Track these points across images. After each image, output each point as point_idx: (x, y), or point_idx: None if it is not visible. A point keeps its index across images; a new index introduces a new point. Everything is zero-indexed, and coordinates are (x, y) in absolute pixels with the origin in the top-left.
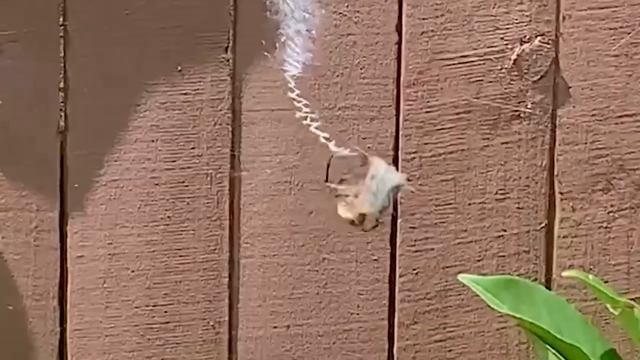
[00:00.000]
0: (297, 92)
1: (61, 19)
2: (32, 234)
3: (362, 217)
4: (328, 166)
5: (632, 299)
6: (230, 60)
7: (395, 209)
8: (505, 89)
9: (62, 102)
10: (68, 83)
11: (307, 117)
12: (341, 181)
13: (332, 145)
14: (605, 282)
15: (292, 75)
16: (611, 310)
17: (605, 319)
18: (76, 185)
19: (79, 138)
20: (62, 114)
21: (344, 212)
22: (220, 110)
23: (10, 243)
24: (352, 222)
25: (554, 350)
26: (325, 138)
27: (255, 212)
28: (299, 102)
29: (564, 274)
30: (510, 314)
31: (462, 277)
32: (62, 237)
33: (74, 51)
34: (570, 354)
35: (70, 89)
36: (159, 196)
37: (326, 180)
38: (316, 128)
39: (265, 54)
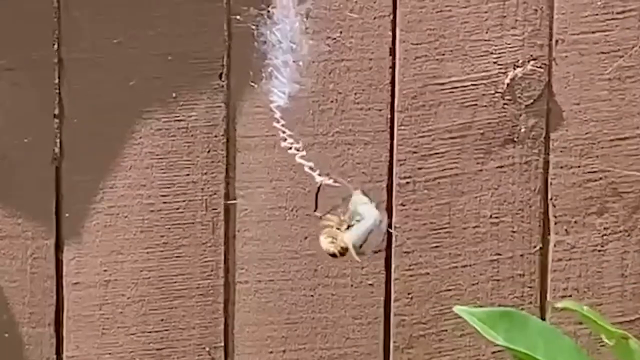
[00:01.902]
0: (283, 122)
1: (56, 47)
2: (28, 262)
3: (344, 250)
4: (317, 195)
5: (627, 322)
6: (225, 87)
7: (389, 233)
8: (499, 113)
9: (57, 129)
10: (63, 111)
11: (291, 147)
12: (329, 211)
13: (316, 175)
14: (599, 305)
15: (277, 106)
16: (605, 340)
17: (601, 343)
18: (67, 215)
19: (74, 165)
20: (57, 141)
21: (326, 244)
22: (215, 136)
23: (6, 271)
24: (333, 255)
25: None
26: (310, 168)
27: (250, 238)
28: (283, 132)
29: (558, 305)
30: (505, 346)
31: (458, 309)
32: (57, 265)
33: (68, 79)
34: None
35: (65, 117)
36: (154, 223)
37: (315, 209)
38: (301, 158)
39: (252, 84)
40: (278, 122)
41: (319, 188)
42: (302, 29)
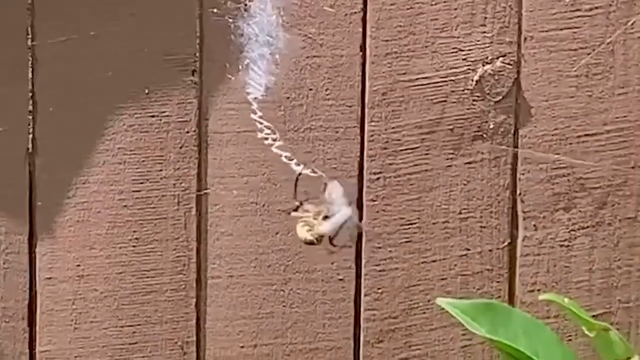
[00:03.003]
0: (260, 114)
1: (29, 43)
2: (1, 257)
3: (321, 238)
4: (296, 183)
5: (595, 316)
6: (197, 83)
7: (360, 229)
8: (468, 109)
9: (30, 124)
10: (36, 106)
11: (268, 137)
12: (306, 200)
13: (293, 165)
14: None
15: (254, 98)
16: (586, 332)
17: (569, 336)
18: (40, 210)
19: (47, 161)
20: (30, 136)
21: (302, 232)
22: (187, 132)
23: None
24: (308, 242)
25: None
26: (287, 157)
27: (222, 233)
28: (260, 123)
29: (541, 297)
30: (488, 337)
31: (440, 301)
32: (30, 259)
33: (42, 74)
34: None
35: (38, 112)
36: (127, 218)
37: (294, 197)
38: (277, 148)
39: (229, 76)
40: (255, 113)
41: (297, 177)
42: (278, 22)
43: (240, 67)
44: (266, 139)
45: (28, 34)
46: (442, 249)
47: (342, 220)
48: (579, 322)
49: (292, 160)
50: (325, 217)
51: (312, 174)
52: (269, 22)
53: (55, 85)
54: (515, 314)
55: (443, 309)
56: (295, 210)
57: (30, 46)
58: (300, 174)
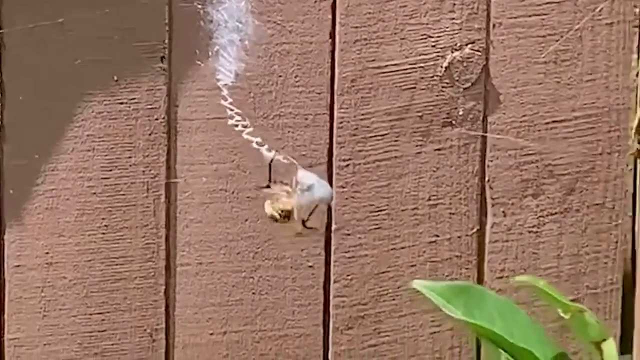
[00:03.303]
0: (230, 100)
1: None
2: None
3: (286, 214)
4: (270, 168)
5: None
6: (166, 70)
7: (329, 215)
8: (437, 96)
9: None
10: (4, 93)
11: (238, 124)
12: (276, 182)
13: (264, 150)
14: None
15: (224, 84)
16: (562, 314)
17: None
18: (8, 197)
19: (16, 148)
20: None
21: (269, 208)
22: (156, 119)
23: None
24: (274, 218)
25: (506, 355)
26: (257, 143)
27: (191, 220)
28: (231, 110)
29: (516, 279)
30: (463, 319)
31: (417, 284)
32: None
33: (10, 61)
34: (523, 357)
35: (6, 99)
36: (96, 205)
37: (269, 180)
38: (248, 134)
39: (199, 62)
40: (225, 100)
41: (271, 162)
42: (247, 8)
43: (209, 53)
44: (236, 125)
45: None
46: (412, 236)
47: (316, 198)
48: (553, 304)
49: (262, 146)
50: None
51: (284, 161)
52: (238, 8)
53: (24, 73)
54: (490, 296)
55: (412, 295)
56: (265, 188)
57: None
58: (272, 160)
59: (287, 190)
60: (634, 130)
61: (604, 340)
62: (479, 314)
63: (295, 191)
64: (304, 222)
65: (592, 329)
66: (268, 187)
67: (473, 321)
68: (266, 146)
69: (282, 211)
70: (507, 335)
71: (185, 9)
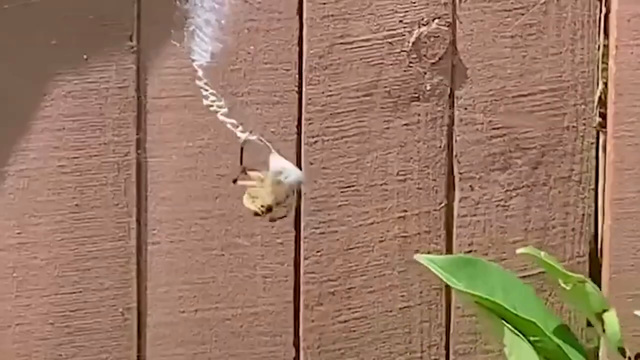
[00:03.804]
0: (205, 80)
1: None
2: None
3: (267, 208)
4: (242, 150)
5: (529, 276)
6: (135, 48)
7: (298, 192)
8: (405, 71)
9: None
10: None
11: (213, 104)
12: (250, 170)
13: (239, 132)
14: (503, 260)
15: (200, 65)
16: (562, 285)
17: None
18: None
19: None
20: None
21: (250, 203)
22: (126, 97)
23: None
24: (256, 214)
25: (509, 326)
26: (232, 125)
27: (162, 199)
28: (206, 90)
29: (518, 251)
30: (466, 292)
31: (419, 257)
32: None
33: None
34: (526, 328)
35: None
36: (67, 185)
37: (241, 163)
38: (223, 115)
39: (174, 42)
40: (200, 80)
41: (243, 144)
42: None
43: (185, 33)
44: (211, 106)
45: None
46: (380, 211)
47: (291, 183)
48: (555, 276)
49: (237, 127)
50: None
51: (258, 141)
52: None
53: None
54: (493, 268)
55: (382, 271)
56: (238, 178)
57: None
58: (244, 142)
59: (260, 177)
60: (595, 104)
61: (605, 310)
62: (482, 287)
63: (268, 178)
64: (285, 212)
65: (593, 300)
66: (244, 172)
67: (475, 293)
68: (240, 127)
69: (262, 207)
70: (510, 307)
71: None
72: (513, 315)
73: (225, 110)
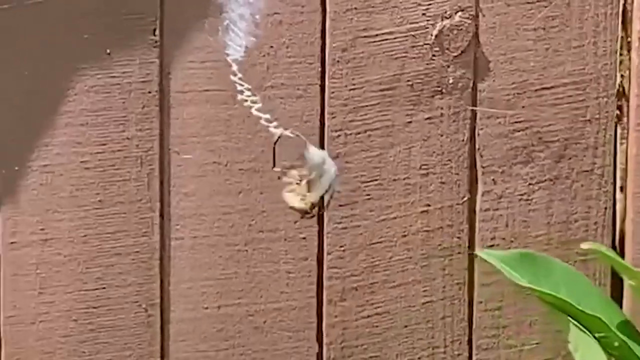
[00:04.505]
0: (240, 75)
1: None
2: None
3: (313, 206)
4: (274, 147)
5: None
6: (158, 42)
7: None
8: (428, 64)
9: None
10: None
11: (247, 99)
12: (288, 167)
13: (272, 128)
14: None
15: (234, 59)
16: (627, 281)
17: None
18: (3, 171)
19: (9, 123)
20: None
21: (295, 201)
22: (149, 92)
23: None
24: (302, 212)
25: (575, 322)
26: (266, 120)
27: (185, 194)
28: (241, 85)
29: (583, 245)
30: (530, 287)
31: (481, 253)
32: None
33: (1, 37)
34: (591, 324)
35: None
36: (90, 180)
37: (274, 165)
38: (257, 110)
39: (209, 37)
40: (235, 75)
41: (276, 140)
42: None
43: (220, 28)
44: (246, 100)
45: None
46: (403, 206)
47: (330, 178)
48: (620, 271)
49: (271, 123)
50: (309, 182)
51: (292, 135)
52: None
53: (15, 49)
54: (556, 264)
55: (404, 266)
56: (280, 175)
57: None
58: (277, 140)
59: (302, 175)
60: (614, 97)
61: None
62: (545, 282)
63: (310, 175)
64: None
65: None
66: (283, 173)
67: (540, 289)
68: (275, 123)
69: (312, 204)
70: (574, 302)
71: None
72: (578, 311)
73: (259, 105)
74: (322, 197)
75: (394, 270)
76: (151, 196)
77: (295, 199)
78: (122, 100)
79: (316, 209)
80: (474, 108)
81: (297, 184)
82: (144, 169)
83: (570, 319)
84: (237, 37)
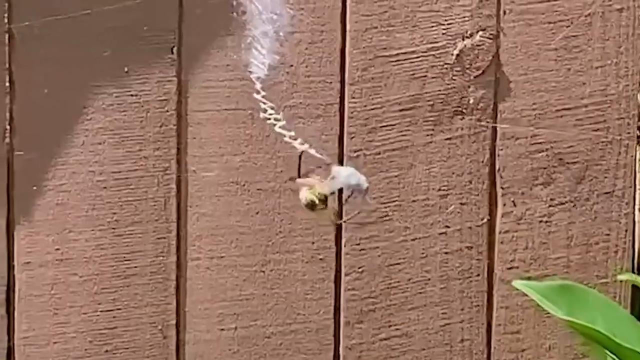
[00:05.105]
0: (263, 93)
1: (6, 22)
2: None
3: (323, 197)
4: (299, 163)
5: None
6: (176, 60)
7: (340, 208)
8: (448, 84)
9: (8, 105)
10: (14, 86)
11: (270, 117)
12: (308, 173)
13: (297, 144)
14: (545, 276)
15: (257, 77)
16: None
17: (547, 314)
18: (17, 186)
19: (26, 142)
20: (8, 117)
21: (307, 194)
22: (167, 111)
23: None
24: (311, 206)
25: (612, 355)
26: (291, 137)
27: (202, 214)
28: (264, 103)
29: (620, 277)
30: (566, 319)
31: (517, 284)
32: (8, 244)
33: (19, 54)
34: (628, 357)
35: (16, 92)
36: (106, 199)
37: (298, 176)
38: (280, 128)
39: (233, 56)
40: (258, 93)
41: (300, 156)
42: None
43: (242, 45)
44: (269, 119)
45: (5, 13)
46: (422, 227)
47: (349, 184)
48: None
49: (296, 140)
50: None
51: (316, 155)
52: None
53: (34, 66)
54: (592, 295)
55: (423, 287)
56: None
57: (7, 25)
58: (302, 153)
59: (321, 180)
60: (635, 118)
61: None
62: (581, 313)
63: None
64: (341, 215)
65: None
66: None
67: (577, 321)
68: (299, 140)
69: (319, 194)
70: (609, 334)
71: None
72: (615, 344)
73: (282, 123)
74: (340, 205)
75: (412, 292)
76: (168, 216)
77: (306, 192)
78: (139, 119)
79: (329, 207)
80: (495, 125)
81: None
82: (160, 189)
83: (607, 352)
84: (260, 54)
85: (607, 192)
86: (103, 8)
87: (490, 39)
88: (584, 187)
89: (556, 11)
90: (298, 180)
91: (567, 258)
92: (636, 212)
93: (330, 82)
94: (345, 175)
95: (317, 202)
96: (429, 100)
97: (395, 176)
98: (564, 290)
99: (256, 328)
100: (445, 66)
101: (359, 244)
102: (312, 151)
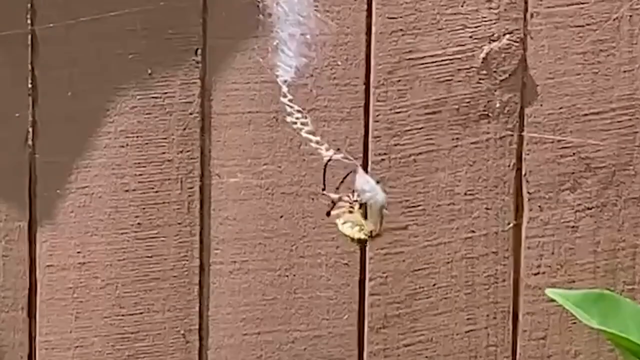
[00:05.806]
0: (290, 97)
1: (29, 24)
2: (1, 244)
3: (372, 234)
4: (325, 170)
5: None
6: (200, 63)
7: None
8: (474, 88)
9: (30, 108)
10: (37, 89)
11: (297, 122)
12: (337, 199)
13: (323, 150)
14: (572, 282)
15: (284, 80)
16: None
17: (572, 320)
18: (39, 189)
19: (48, 145)
20: (31, 120)
21: (354, 233)
22: (191, 113)
23: None
24: (363, 242)
25: None
26: (317, 142)
27: (226, 218)
28: (290, 107)
29: None
30: (600, 329)
31: (551, 292)
32: (30, 247)
33: (41, 57)
34: None
35: (39, 95)
36: (129, 203)
37: (324, 189)
38: (307, 132)
39: (259, 58)
40: (285, 96)
41: (326, 163)
42: (309, 1)
43: (269, 48)
44: (295, 123)
45: (28, 16)
46: (447, 232)
47: (381, 203)
48: None
49: (322, 145)
50: (361, 206)
51: (343, 160)
52: (300, 1)
53: (56, 69)
54: (625, 304)
55: (448, 293)
56: (332, 209)
57: (30, 28)
58: (327, 163)
59: (353, 202)
60: None
61: None
62: (615, 323)
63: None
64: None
65: None
66: (333, 207)
67: (610, 330)
68: (325, 145)
69: (368, 231)
70: None
71: (219, 2)
72: None
73: (310, 127)
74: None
75: (437, 297)
76: (191, 220)
77: (353, 230)
78: (162, 121)
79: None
80: (522, 134)
81: (349, 211)
82: (184, 192)
83: None
84: (287, 57)
85: (635, 198)
86: (126, 10)
87: (517, 42)
88: (611, 192)
89: (583, 15)
90: (332, 212)
91: (593, 264)
92: None
93: (356, 85)
94: (368, 197)
95: (367, 239)
96: (454, 104)
97: (420, 180)
98: (597, 299)
99: (280, 333)
100: (472, 69)
101: (383, 249)
102: (338, 156)
